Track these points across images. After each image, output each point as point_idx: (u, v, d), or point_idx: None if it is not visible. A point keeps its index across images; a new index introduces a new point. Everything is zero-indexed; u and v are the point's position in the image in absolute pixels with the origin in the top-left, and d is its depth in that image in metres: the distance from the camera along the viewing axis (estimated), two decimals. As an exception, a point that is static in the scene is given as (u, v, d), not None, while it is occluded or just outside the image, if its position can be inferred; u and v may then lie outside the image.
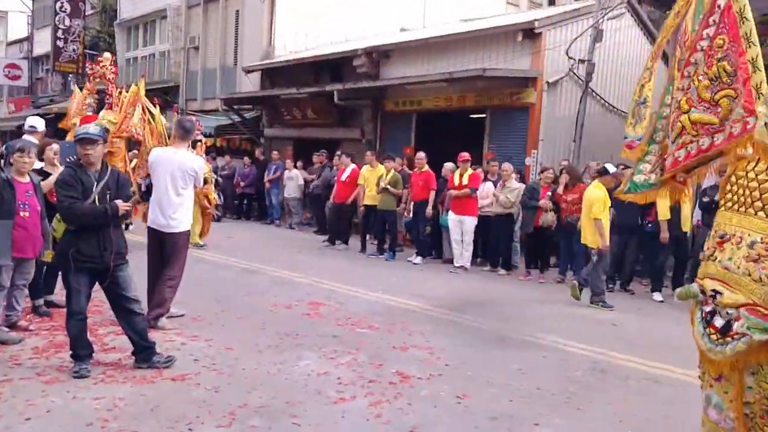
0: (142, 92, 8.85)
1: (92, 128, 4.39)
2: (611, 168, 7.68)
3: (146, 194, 7.16)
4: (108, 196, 4.33)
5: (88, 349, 4.43)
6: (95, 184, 4.30)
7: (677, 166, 2.91)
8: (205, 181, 10.11)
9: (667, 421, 4.13)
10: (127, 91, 8.96)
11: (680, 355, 5.55)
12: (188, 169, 5.67)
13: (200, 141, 10.31)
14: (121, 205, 4.35)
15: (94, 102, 9.02)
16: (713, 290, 2.58)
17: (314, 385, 4.38)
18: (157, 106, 9.69)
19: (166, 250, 5.64)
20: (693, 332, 2.74)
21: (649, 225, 8.97)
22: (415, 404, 4.14)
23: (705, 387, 2.74)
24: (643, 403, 4.44)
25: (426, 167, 10.11)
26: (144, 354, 4.51)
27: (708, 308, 2.63)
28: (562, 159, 11.33)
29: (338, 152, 12.90)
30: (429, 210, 9.93)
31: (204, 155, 10.99)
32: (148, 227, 5.69)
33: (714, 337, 2.58)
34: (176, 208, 5.59)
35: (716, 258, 2.63)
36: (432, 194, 9.93)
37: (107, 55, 9.05)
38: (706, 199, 8.69)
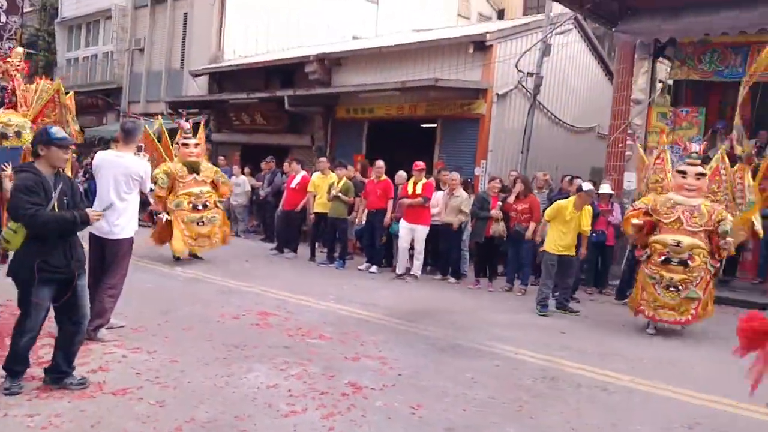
0: (63, 95, 8.06)
1: (64, 133, 4.23)
2: (585, 186, 7.85)
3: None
4: (66, 201, 4.11)
5: (26, 365, 4.15)
6: (53, 189, 4.06)
7: None
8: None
9: (615, 429, 4.17)
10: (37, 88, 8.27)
11: (627, 363, 5.70)
12: (133, 174, 5.47)
13: (186, 144, 9.60)
14: (93, 213, 4.16)
15: None
16: None
17: (264, 398, 4.25)
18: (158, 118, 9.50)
19: (107, 258, 5.42)
20: None
21: (594, 235, 9.18)
22: (369, 416, 4.07)
23: None
24: (594, 410, 4.48)
25: (384, 176, 10.08)
26: (57, 376, 4.19)
27: None
28: (511, 170, 11.50)
29: (288, 159, 12.73)
30: (387, 219, 9.88)
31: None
32: (90, 233, 5.44)
33: None
34: (119, 214, 5.36)
35: None
36: (390, 203, 9.90)
37: (19, 50, 8.51)
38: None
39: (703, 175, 6.88)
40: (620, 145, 10.92)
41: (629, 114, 10.83)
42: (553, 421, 4.23)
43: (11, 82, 7.96)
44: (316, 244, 11.00)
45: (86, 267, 4.34)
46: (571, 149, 14.29)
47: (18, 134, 7.67)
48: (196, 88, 18.04)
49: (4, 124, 7.61)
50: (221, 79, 17.71)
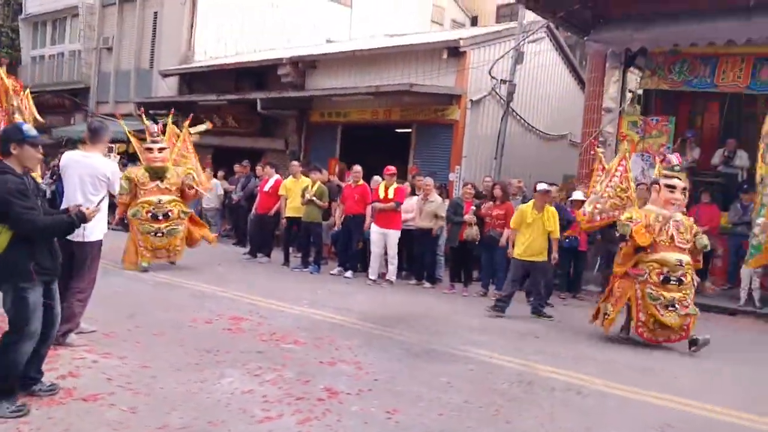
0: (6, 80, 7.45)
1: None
2: (540, 186, 7.96)
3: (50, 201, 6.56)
4: (40, 201, 3.97)
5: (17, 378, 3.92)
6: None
7: None
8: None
9: (590, 433, 4.20)
10: None
11: (600, 366, 5.75)
12: (99, 175, 5.30)
13: (150, 148, 8.92)
14: (89, 211, 4.04)
15: None
16: None
17: (238, 404, 4.18)
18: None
19: (76, 261, 5.28)
20: None
21: (567, 241, 9.30)
22: (344, 421, 4.03)
23: None
24: (568, 414, 4.51)
25: (361, 181, 10.06)
26: (24, 382, 4.00)
27: None
28: (485, 176, 11.58)
29: (261, 162, 12.63)
30: (367, 224, 9.80)
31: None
32: None
33: None
34: None
35: None
36: (368, 208, 9.81)
37: None
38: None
39: (685, 189, 6.74)
40: (592, 152, 11.06)
41: (600, 122, 11.01)
42: (528, 425, 4.23)
43: None
44: (291, 249, 10.91)
45: None
46: (544, 156, 14.47)
47: None
48: (166, 89, 17.80)
49: None
50: (191, 80, 17.52)
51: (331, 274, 9.98)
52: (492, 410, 4.44)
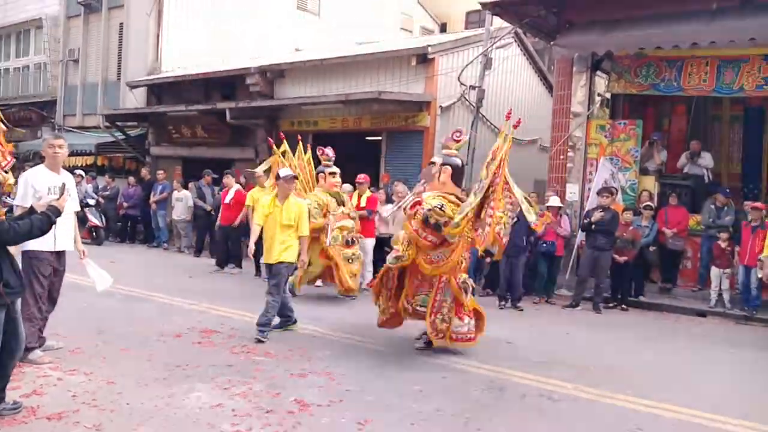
0: None
1: None
2: (282, 172, 6.83)
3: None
4: None
5: None
6: None
7: None
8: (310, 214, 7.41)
9: (562, 438, 4.21)
10: None
11: (572, 371, 5.76)
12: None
13: (334, 172, 8.81)
14: (60, 201, 3.98)
15: None
16: None
17: (206, 419, 4.12)
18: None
19: None
20: None
21: (544, 245, 9.37)
22: (315, 433, 3.99)
23: None
24: (540, 419, 4.52)
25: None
26: None
27: None
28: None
29: (226, 172, 12.50)
30: None
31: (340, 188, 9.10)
32: None
33: None
34: None
35: None
36: None
37: None
38: (586, 221, 9.19)
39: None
40: (561, 157, 11.18)
41: (569, 126, 11.11)
42: (500, 432, 4.23)
43: None
44: (261, 259, 10.77)
45: None
46: (515, 161, 14.39)
47: None
48: (134, 101, 17.58)
49: None
50: (160, 91, 17.32)
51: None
52: (463, 418, 4.43)
